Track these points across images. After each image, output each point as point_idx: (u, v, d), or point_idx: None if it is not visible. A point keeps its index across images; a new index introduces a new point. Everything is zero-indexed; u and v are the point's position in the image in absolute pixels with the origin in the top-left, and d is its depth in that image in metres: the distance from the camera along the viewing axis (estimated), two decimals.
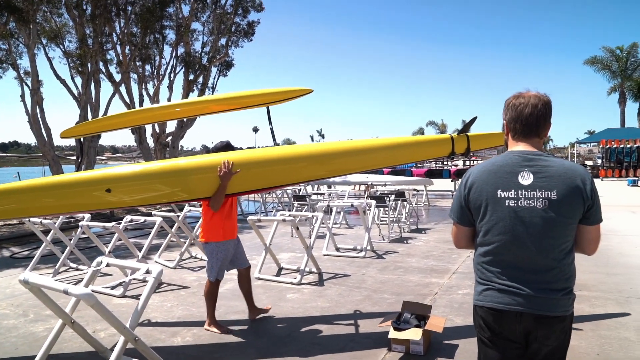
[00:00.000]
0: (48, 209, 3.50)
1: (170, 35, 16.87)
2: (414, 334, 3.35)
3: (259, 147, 22.22)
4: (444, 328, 3.57)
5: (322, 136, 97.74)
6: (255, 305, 4.34)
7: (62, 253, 6.21)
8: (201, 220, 4.07)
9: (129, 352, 3.11)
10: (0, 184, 3.59)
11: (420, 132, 61.30)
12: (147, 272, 3.04)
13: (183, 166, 3.66)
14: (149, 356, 2.98)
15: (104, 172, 3.55)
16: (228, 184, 3.56)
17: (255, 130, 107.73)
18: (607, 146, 25.99)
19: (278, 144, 5.40)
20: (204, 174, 3.59)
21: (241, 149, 4.27)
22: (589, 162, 30.18)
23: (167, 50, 17.37)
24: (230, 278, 5.23)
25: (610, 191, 17.20)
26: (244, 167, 3.60)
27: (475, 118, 4.31)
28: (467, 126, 4.23)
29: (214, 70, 17.99)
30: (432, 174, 20.34)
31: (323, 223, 6.94)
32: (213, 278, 3.95)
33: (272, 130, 5.59)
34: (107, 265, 3.33)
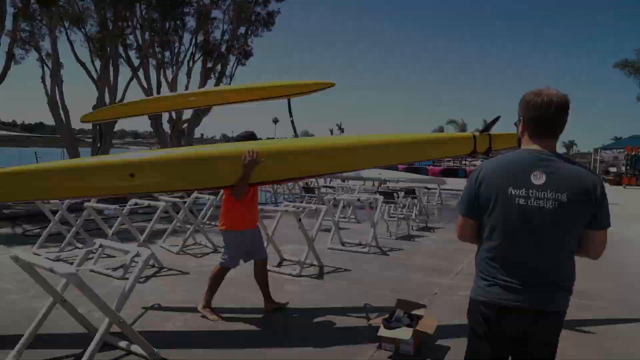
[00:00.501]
0: (68, 191, 3.47)
1: (191, 22, 16.93)
2: (404, 333, 3.27)
3: (278, 138, 22.19)
4: (437, 329, 3.48)
5: (342, 130, 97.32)
6: (271, 297, 4.25)
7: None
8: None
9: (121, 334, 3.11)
10: (23, 165, 3.60)
11: (440, 130, 60.43)
12: (137, 255, 3.04)
13: (207, 154, 3.64)
14: (133, 338, 2.98)
15: (128, 157, 3.54)
16: (251, 174, 3.51)
17: (276, 121, 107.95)
18: (632, 153, 25.15)
19: (298, 137, 5.35)
20: (228, 162, 3.55)
21: (261, 139, 4.23)
22: (613, 169, 29.21)
23: (187, 37, 17.28)
24: None
25: (632, 200, 16.64)
26: (269, 157, 3.55)
27: (498, 117, 4.27)
28: (489, 125, 4.24)
29: (232, 58, 17.99)
30: (448, 172, 20.06)
31: (329, 218, 6.87)
32: (226, 264, 3.96)
33: (292, 122, 5.57)
34: (100, 246, 3.35)
